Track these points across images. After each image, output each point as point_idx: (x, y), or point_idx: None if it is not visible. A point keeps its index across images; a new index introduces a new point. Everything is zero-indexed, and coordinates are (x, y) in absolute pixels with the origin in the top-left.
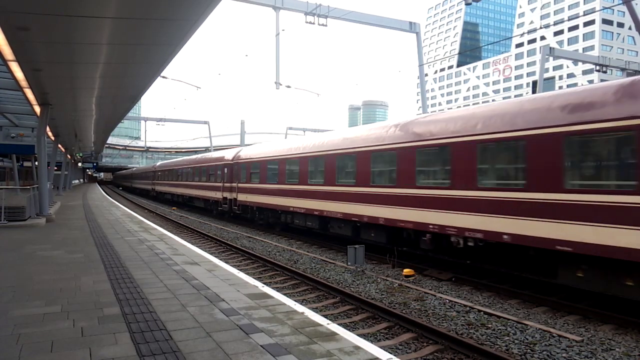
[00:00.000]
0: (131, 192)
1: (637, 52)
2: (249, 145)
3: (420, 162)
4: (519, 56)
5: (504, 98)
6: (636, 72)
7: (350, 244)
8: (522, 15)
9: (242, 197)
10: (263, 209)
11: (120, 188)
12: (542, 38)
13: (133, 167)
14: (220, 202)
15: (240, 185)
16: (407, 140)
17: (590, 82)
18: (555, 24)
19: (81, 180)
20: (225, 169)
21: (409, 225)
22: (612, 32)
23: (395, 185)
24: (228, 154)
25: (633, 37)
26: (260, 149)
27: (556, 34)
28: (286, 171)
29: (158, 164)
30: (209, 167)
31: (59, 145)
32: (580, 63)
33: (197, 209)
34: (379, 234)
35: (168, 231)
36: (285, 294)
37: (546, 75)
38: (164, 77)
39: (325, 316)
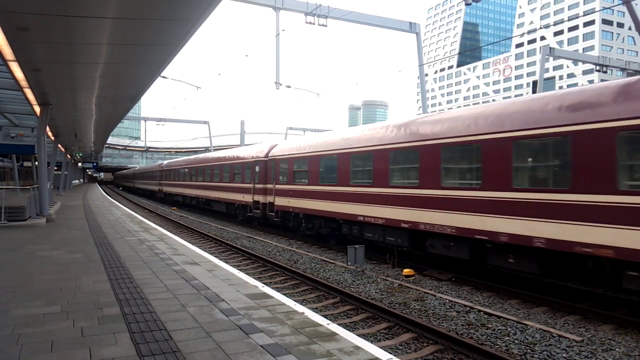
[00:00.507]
0: (133, 192)
1: (637, 52)
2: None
3: (627, 154)
4: (519, 56)
5: (504, 98)
6: (636, 72)
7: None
8: (522, 15)
9: (280, 201)
10: (312, 216)
11: (121, 188)
12: (542, 38)
13: (134, 167)
14: (250, 206)
15: (278, 186)
16: (592, 119)
17: (591, 82)
18: (555, 24)
19: (81, 180)
20: (257, 167)
21: (606, 253)
22: (612, 32)
23: (569, 190)
24: (259, 149)
25: (633, 37)
26: (307, 141)
27: (556, 34)
28: (351, 169)
29: (166, 162)
30: (234, 165)
31: (59, 145)
32: (580, 63)
33: (202, 211)
34: (528, 261)
35: (168, 231)
36: (285, 294)
37: (546, 75)
38: (164, 77)
39: (325, 316)
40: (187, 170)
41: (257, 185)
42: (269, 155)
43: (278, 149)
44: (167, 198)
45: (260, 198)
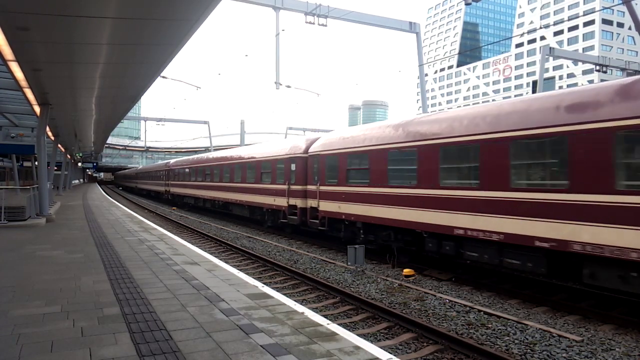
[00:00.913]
0: (134, 193)
1: (637, 52)
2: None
3: None
4: (519, 56)
5: (504, 98)
6: (636, 72)
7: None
8: (522, 15)
9: (327, 206)
10: (376, 226)
11: (120, 188)
12: (542, 38)
13: (136, 167)
14: (284, 211)
15: (324, 188)
16: None
17: (591, 82)
18: (555, 24)
19: (81, 180)
20: (293, 165)
21: None
22: (612, 32)
23: None
24: (293, 144)
25: (633, 37)
26: (366, 131)
27: (556, 34)
28: (441, 166)
29: (173, 161)
30: (261, 163)
31: (59, 145)
32: (580, 63)
33: (202, 211)
34: None
35: (168, 231)
36: (285, 294)
37: (546, 75)
38: (164, 77)
39: (325, 316)
40: (200, 169)
41: (294, 187)
42: (310, 150)
43: (321, 143)
44: (175, 200)
45: (297, 202)
